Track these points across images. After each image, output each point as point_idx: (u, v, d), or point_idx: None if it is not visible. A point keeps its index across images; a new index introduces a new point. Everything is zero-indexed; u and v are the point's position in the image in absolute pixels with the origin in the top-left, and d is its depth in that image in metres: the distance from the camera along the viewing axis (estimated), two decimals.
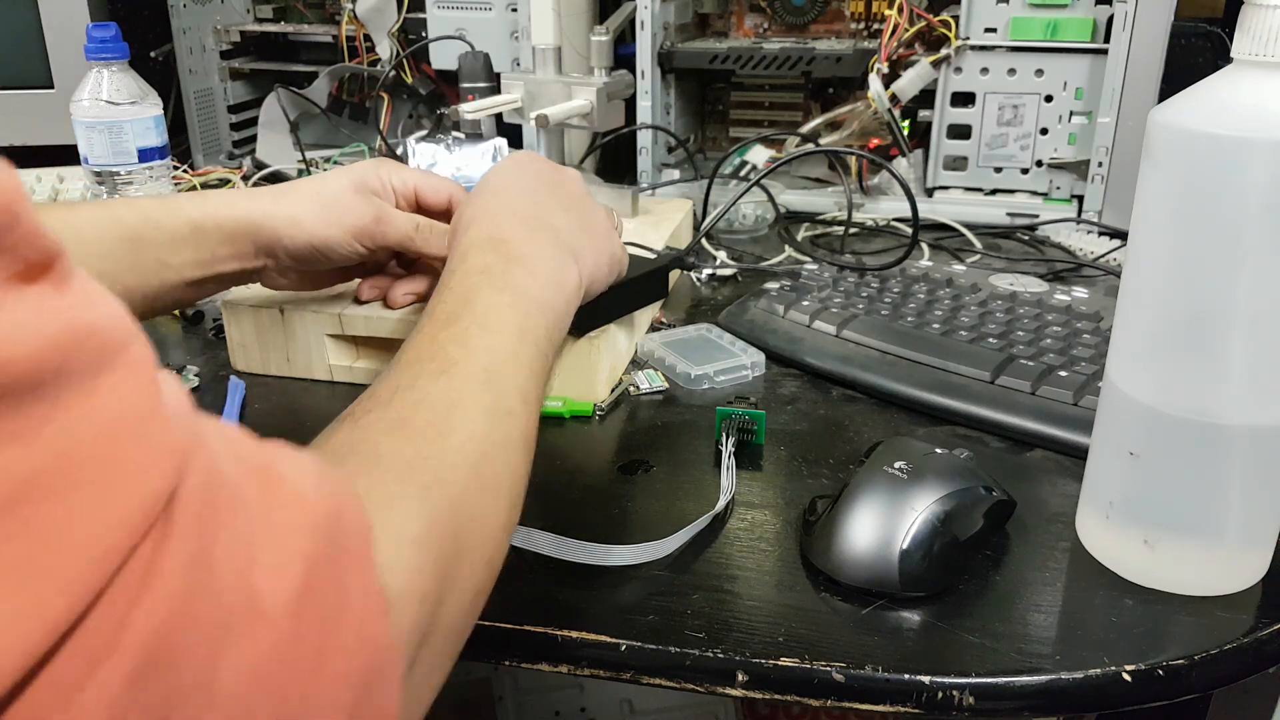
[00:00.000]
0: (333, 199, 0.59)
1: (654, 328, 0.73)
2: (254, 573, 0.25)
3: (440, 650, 0.33)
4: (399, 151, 1.06)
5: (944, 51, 0.96)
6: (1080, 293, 0.73)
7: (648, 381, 0.65)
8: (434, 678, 0.34)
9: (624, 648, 0.42)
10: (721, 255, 0.88)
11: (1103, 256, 0.88)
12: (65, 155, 0.96)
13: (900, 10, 0.96)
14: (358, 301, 0.65)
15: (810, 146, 1.04)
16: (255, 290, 0.65)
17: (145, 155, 0.86)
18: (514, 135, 1.07)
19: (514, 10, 1.06)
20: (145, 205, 0.56)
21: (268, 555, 0.25)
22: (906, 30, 0.96)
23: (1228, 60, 0.40)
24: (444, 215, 0.63)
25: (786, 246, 0.92)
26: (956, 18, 0.94)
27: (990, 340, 0.65)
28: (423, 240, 0.61)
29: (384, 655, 0.29)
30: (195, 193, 0.58)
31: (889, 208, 1.00)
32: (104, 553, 0.21)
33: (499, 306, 0.44)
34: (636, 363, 0.68)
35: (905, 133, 0.99)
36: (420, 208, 0.63)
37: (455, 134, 1.00)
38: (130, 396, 0.23)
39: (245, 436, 0.28)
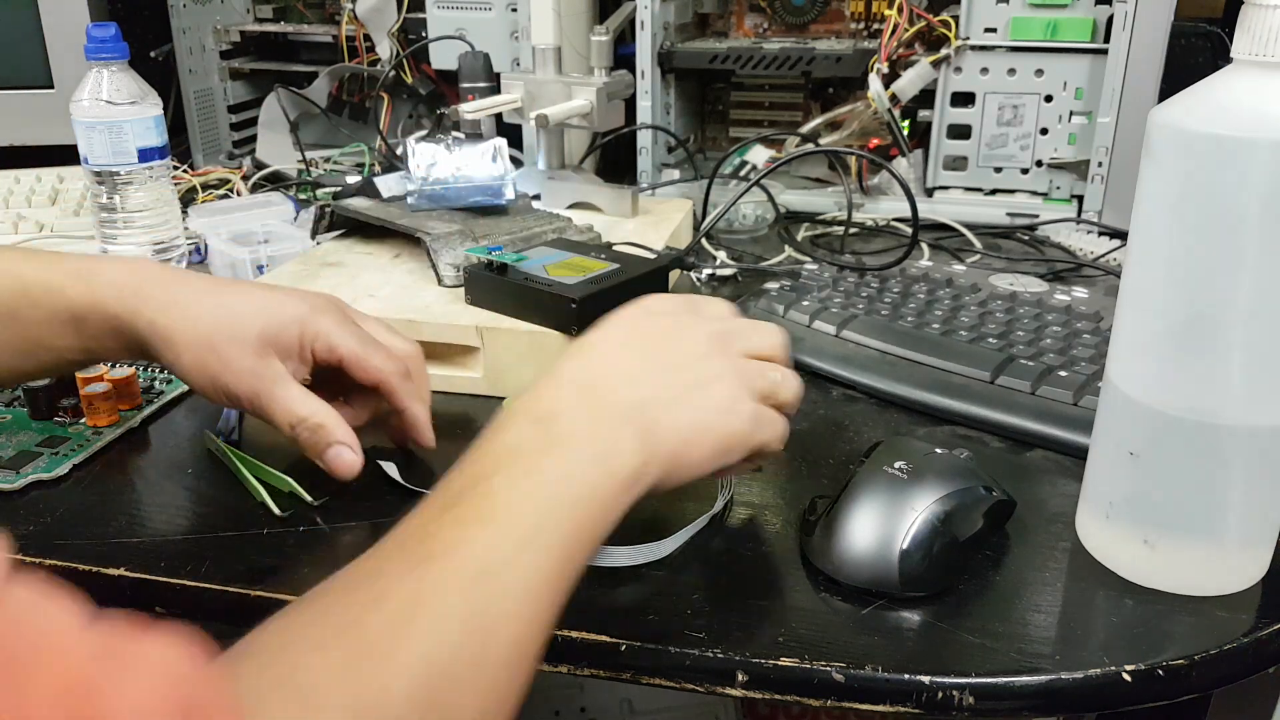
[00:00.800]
0: (223, 347, 0.49)
1: None
2: None
3: None
4: (399, 151, 1.06)
5: (944, 51, 0.96)
6: (1080, 293, 0.73)
7: None
8: None
9: (624, 648, 0.42)
10: (721, 255, 0.88)
11: (1102, 256, 0.88)
12: (65, 155, 0.96)
13: (900, 10, 0.96)
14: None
15: (810, 146, 1.04)
16: None
17: (145, 155, 0.86)
18: (514, 135, 1.07)
19: (514, 10, 1.06)
20: (28, 277, 0.49)
21: None
22: (906, 30, 0.96)
23: (1227, 60, 0.40)
24: (369, 397, 0.54)
25: (786, 246, 0.92)
26: (956, 18, 0.94)
27: (990, 340, 0.65)
28: (303, 439, 0.50)
29: None
30: (87, 266, 0.50)
31: (889, 208, 1.01)
32: None
33: (517, 492, 0.36)
34: None
35: (905, 133, 0.99)
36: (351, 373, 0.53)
37: (455, 134, 1.00)
38: None
39: (92, 637, 0.23)
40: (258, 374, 0.49)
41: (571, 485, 0.38)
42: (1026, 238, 0.95)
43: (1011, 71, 0.95)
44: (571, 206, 0.92)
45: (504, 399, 0.61)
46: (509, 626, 0.33)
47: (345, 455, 0.50)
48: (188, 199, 1.04)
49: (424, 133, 1.05)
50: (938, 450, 0.48)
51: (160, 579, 0.46)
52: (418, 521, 0.36)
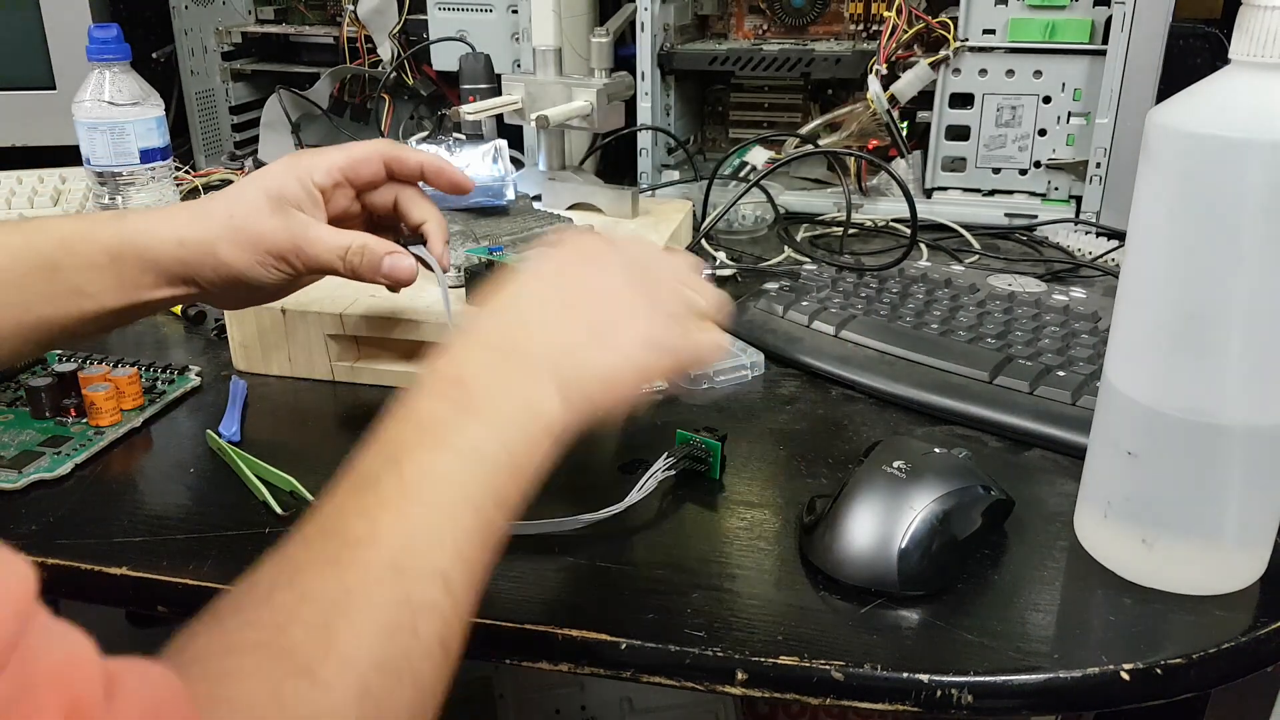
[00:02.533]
0: (246, 220, 0.51)
1: None
2: None
3: None
4: None
5: (942, 53, 0.96)
6: (1078, 293, 0.73)
7: None
8: None
9: (624, 646, 0.42)
10: (721, 255, 0.89)
11: (1101, 257, 0.88)
12: (67, 156, 0.96)
13: (899, 12, 0.96)
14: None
15: (809, 148, 1.04)
16: None
17: (147, 156, 0.86)
18: (515, 136, 1.07)
19: (515, 12, 1.07)
20: (61, 231, 0.51)
21: None
22: (905, 32, 0.97)
23: (1226, 61, 0.41)
24: (380, 184, 0.56)
25: (786, 247, 0.92)
26: (955, 19, 0.95)
27: (988, 340, 0.65)
28: (355, 264, 0.52)
29: None
30: (116, 214, 0.53)
31: (888, 208, 1.01)
32: None
33: (433, 471, 0.35)
34: None
35: (904, 134, 1.00)
36: (360, 190, 0.56)
37: (456, 135, 1.00)
38: None
39: (83, 657, 0.23)
40: (288, 227, 0.51)
41: (487, 454, 0.37)
42: (1025, 238, 0.95)
43: (1010, 73, 0.95)
44: (572, 207, 0.92)
45: None
46: (435, 612, 0.33)
47: (402, 261, 0.53)
48: (190, 200, 1.04)
49: (425, 134, 1.05)
50: (936, 450, 0.48)
51: (162, 578, 0.46)
52: (334, 503, 0.34)
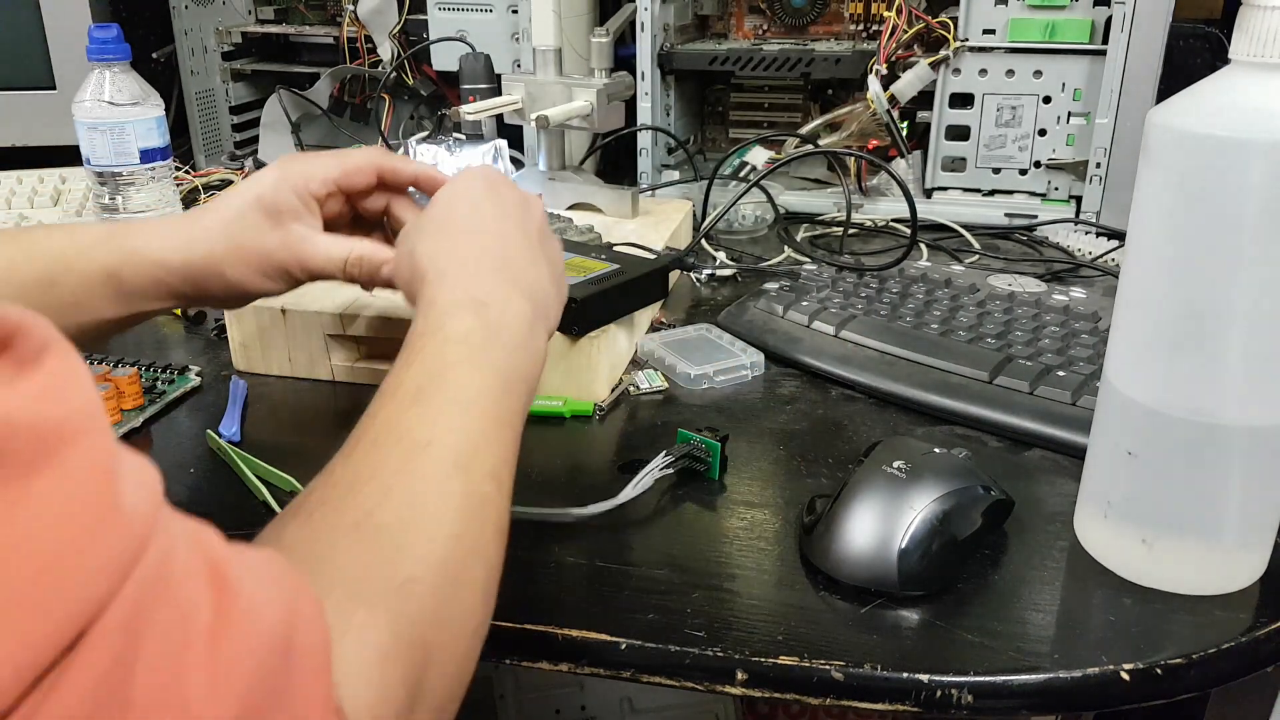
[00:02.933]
0: (246, 239, 0.52)
1: (654, 328, 0.73)
2: (184, 692, 0.23)
3: None
4: (400, 153, 1.06)
5: (942, 53, 0.96)
6: (1078, 293, 0.73)
7: (647, 381, 0.65)
8: None
9: (624, 646, 0.42)
10: (721, 256, 0.89)
11: (1101, 257, 0.88)
12: (67, 156, 0.96)
13: (899, 12, 0.96)
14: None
15: (809, 148, 1.04)
16: None
17: (147, 156, 0.86)
18: (515, 136, 1.07)
19: (515, 12, 1.07)
20: (60, 244, 0.51)
21: (203, 676, 0.23)
22: (905, 32, 0.97)
23: (1226, 61, 0.41)
24: (372, 191, 0.57)
25: (786, 247, 0.92)
26: (955, 19, 0.95)
27: (988, 340, 0.65)
28: (354, 274, 0.53)
29: None
30: (113, 230, 0.53)
31: (888, 208, 1.01)
32: (13, 672, 0.19)
33: (475, 385, 0.40)
34: (636, 363, 0.68)
35: (904, 134, 1.00)
36: (351, 199, 0.56)
37: (456, 135, 1.00)
38: (67, 501, 0.21)
39: (207, 531, 0.26)
40: (287, 243, 0.52)
41: (513, 369, 0.42)
42: (1025, 238, 0.95)
43: (1010, 73, 0.95)
44: (572, 207, 0.92)
45: None
46: (492, 505, 0.37)
47: None
48: (190, 200, 1.04)
49: (425, 134, 1.05)
50: (936, 450, 0.48)
51: None
52: (388, 416, 0.38)
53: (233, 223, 0.52)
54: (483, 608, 0.36)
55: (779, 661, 0.41)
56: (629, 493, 0.50)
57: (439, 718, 0.33)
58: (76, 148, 0.87)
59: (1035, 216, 0.97)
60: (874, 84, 0.97)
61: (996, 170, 0.99)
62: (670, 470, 0.53)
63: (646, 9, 1.00)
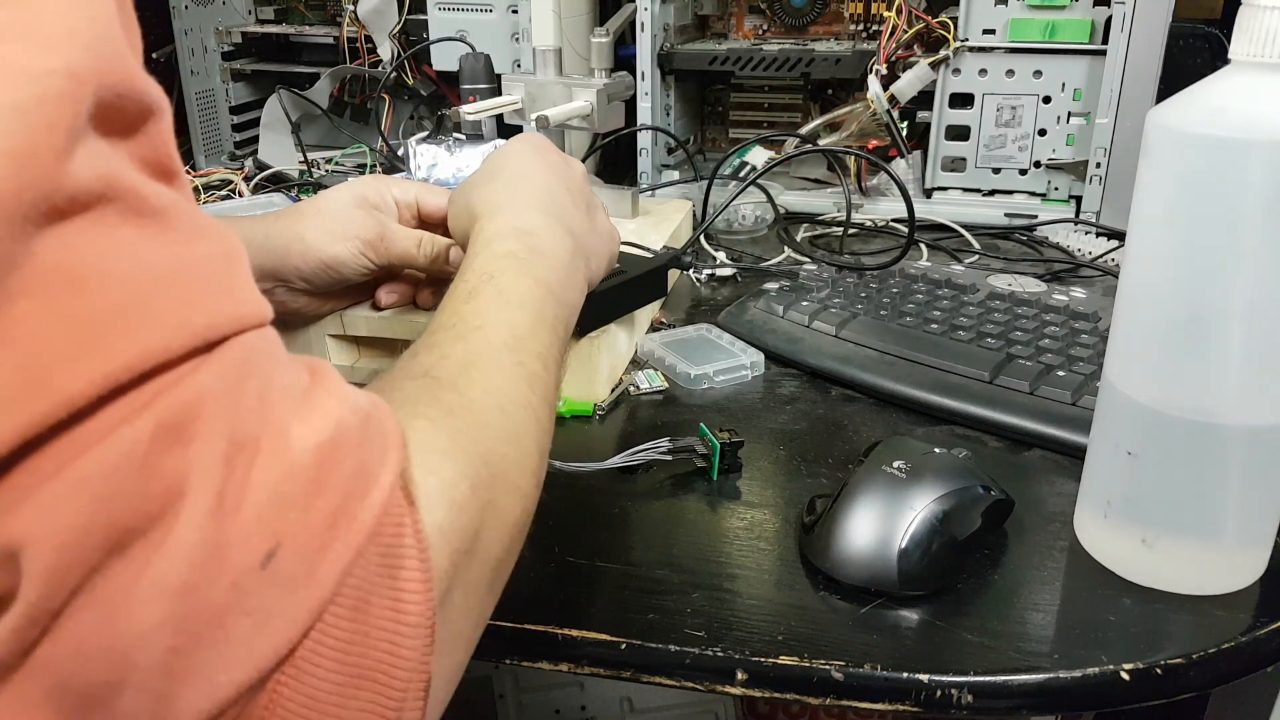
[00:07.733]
0: (336, 214, 0.60)
1: (654, 328, 0.73)
2: (287, 415, 0.27)
3: (478, 583, 0.33)
4: (400, 153, 1.06)
5: (942, 53, 0.96)
6: (1078, 293, 0.73)
7: (648, 381, 0.65)
8: (472, 616, 0.33)
9: (624, 646, 0.42)
10: (721, 255, 0.89)
11: (1101, 257, 0.88)
12: None
13: (899, 12, 0.96)
14: (375, 308, 0.64)
15: (809, 147, 1.04)
16: None
17: None
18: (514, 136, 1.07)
19: (515, 12, 1.07)
20: None
21: (302, 409, 0.28)
22: (905, 32, 0.97)
23: (1225, 61, 0.41)
24: (445, 228, 0.62)
25: (785, 247, 0.92)
26: (955, 19, 0.94)
27: (989, 340, 0.65)
28: (425, 255, 0.61)
29: (404, 552, 0.28)
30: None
31: (888, 208, 1.01)
32: (191, 335, 0.25)
33: (521, 288, 0.45)
34: (636, 363, 0.68)
35: (904, 134, 1.00)
36: (422, 221, 0.63)
37: (456, 135, 1.00)
38: (225, 262, 0.28)
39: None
40: (377, 219, 0.61)
41: (557, 283, 0.47)
42: (1025, 238, 0.95)
43: (1010, 73, 0.95)
44: None
45: None
46: (540, 380, 0.40)
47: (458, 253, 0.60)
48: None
49: (425, 134, 1.05)
50: (936, 450, 0.48)
51: None
52: (445, 313, 0.43)
53: (320, 202, 0.61)
54: (537, 459, 0.38)
55: (779, 661, 0.41)
56: (618, 460, 0.52)
57: (504, 544, 0.35)
58: None
59: (1035, 216, 0.97)
60: (874, 84, 0.97)
61: (996, 170, 0.99)
62: (668, 456, 0.53)
63: (646, 9, 1.00)
